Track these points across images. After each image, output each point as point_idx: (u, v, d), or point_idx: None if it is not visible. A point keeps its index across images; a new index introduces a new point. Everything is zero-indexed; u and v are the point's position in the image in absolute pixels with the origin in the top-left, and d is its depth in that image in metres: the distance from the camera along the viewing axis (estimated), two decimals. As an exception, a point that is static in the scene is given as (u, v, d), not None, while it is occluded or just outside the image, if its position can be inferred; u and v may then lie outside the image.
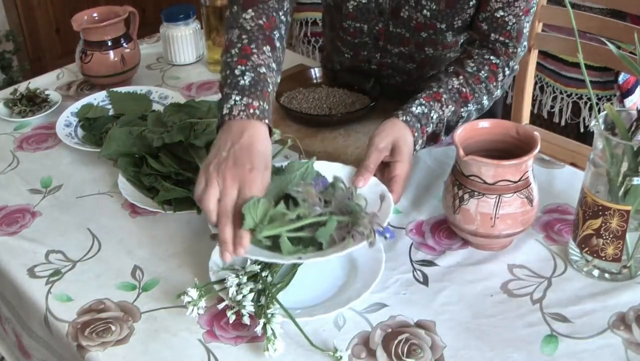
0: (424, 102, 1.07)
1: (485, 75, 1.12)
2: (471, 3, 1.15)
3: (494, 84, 1.13)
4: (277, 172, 0.97)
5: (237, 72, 0.99)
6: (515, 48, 1.14)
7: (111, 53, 1.45)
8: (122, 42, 1.47)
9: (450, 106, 1.08)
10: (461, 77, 1.11)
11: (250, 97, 0.97)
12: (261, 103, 0.97)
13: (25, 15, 3.13)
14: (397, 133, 1.02)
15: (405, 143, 1.01)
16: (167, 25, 1.57)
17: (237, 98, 0.96)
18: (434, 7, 1.16)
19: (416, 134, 1.04)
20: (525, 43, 1.16)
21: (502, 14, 1.11)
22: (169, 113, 1.21)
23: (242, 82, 0.98)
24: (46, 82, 1.54)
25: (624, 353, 0.84)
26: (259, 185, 0.88)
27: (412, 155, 1.02)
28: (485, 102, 1.14)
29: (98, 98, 1.39)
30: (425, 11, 1.18)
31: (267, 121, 0.97)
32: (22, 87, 1.47)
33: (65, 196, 1.17)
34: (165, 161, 1.09)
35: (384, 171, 1.01)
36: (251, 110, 0.96)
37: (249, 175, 0.88)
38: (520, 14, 1.11)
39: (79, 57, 1.47)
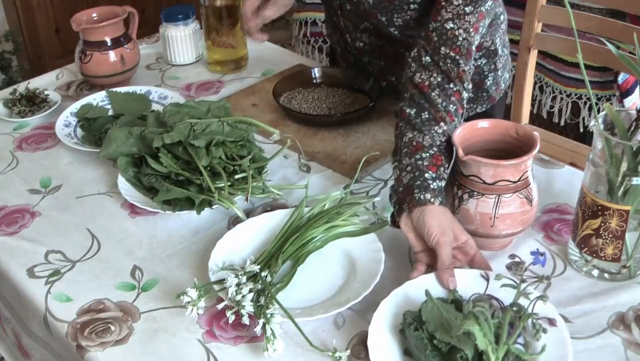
0: (433, 175, 0.99)
1: (454, 108, 1.07)
2: (412, 6, 1.15)
3: (462, 112, 1.09)
4: None
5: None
6: (465, 66, 1.09)
7: (111, 53, 1.45)
8: (122, 42, 1.46)
9: (445, 163, 1.02)
10: (442, 123, 1.04)
11: None
12: None
13: (24, 16, 3.13)
14: (448, 220, 0.95)
15: (457, 225, 0.95)
16: (167, 25, 1.57)
17: None
18: None
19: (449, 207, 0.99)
20: (472, 62, 1.12)
21: (452, 26, 1.08)
22: (169, 113, 1.21)
23: None
24: (46, 82, 1.54)
25: (624, 353, 0.84)
26: None
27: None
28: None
29: (97, 98, 1.39)
30: None
31: None
32: (21, 87, 1.47)
33: (64, 196, 1.17)
34: (165, 161, 1.09)
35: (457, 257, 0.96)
36: None
37: None
38: (470, 29, 1.09)
39: (79, 57, 1.47)
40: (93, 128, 1.31)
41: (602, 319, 0.88)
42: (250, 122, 1.15)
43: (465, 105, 1.09)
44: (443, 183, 0.99)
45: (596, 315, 0.89)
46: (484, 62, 1.34)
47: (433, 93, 1.06)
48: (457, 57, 1.08)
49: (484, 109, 1.40)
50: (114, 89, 1.41)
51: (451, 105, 1.06)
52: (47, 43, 3.23)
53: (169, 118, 1.18)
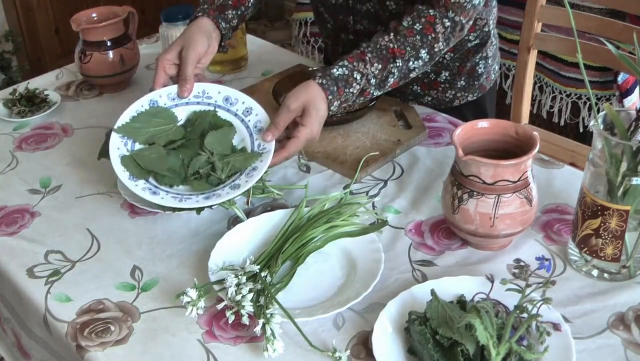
0: (347, 63, 1.09)
1: (421, 27, 1.11)
2: None
3: (432, 35, 1.12)
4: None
5: None
6: None
7: (110, 53, 1.45)
8: (122, 42, 1.46)
9: (375, 64, 1.09)
10: (392, 33, 1.11)
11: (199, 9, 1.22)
12: (202, 7, 1.22)
13: (24, 16, 3.13)
14: (309, 97, 1.07)
15: (314, 108, 1.06)
16: (167, 25, 1.56)
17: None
18: None
19: (330, 97, 1.08)
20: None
21: None
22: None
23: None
24: (45, 82, 1.54)
25: (623, 352, 0.84)
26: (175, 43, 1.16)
27: (320, 120, 1.08)
28: (424, 54, 1.13)
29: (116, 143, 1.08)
30: None
31: (199, 14, 1.21)
32: (21, 87, 1.47)
33: (64, 196, 1.17)
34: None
35: (292, 130, 1.08)
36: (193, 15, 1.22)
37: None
38: None
39: (78, 57, 1.47)
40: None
41: (602, 319, 0.88)
42: (250, 122, 1.15)
43: (440, 31, 1.13)
44: (357, 75, 1.09)
45: (596, 315, 0.89)
46: (477, 44, 1.35)
47: (406, 15, 1.12)
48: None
49: (474, 97, 1.41)
50: (120, 125, 1.10)
51: (417, 25, 1.11)
52: (47, 43, 3.23)
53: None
